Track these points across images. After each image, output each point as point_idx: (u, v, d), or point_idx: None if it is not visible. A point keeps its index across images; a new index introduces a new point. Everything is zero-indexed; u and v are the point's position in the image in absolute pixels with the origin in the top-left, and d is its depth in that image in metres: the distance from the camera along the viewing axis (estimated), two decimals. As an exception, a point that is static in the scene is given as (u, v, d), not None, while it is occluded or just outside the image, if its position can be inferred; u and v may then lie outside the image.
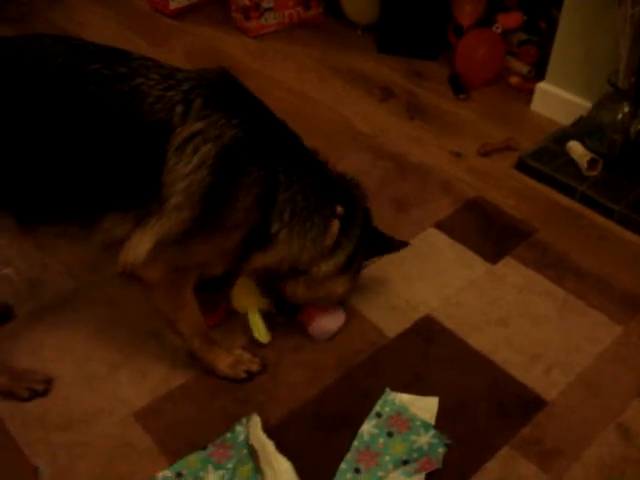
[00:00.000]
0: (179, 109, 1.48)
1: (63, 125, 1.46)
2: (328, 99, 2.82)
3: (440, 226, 2.23)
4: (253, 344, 1.86)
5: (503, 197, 2.34)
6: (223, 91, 1.56)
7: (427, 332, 1.93)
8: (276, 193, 1.58)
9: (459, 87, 2.80)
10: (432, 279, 2.07)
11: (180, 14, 3.32)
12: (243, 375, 1.79)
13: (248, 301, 1.88)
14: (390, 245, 1.87)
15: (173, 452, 1.64)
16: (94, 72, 1.47)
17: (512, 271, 2.09)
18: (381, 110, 2.77)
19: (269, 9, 3.17)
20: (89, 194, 1.52)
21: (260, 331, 1.86)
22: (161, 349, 1.85)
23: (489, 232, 2.22)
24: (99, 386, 1.78)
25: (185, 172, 1.47)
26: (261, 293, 1.87)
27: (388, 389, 1.75)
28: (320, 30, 3.27)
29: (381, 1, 3.00)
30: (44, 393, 1.75)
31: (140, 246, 1.53)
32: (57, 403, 1.74)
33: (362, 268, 1.87)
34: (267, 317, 1.88)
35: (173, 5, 3.30)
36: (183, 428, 1.69)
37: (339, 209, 1.72)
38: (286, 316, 1.89)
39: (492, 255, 2.14)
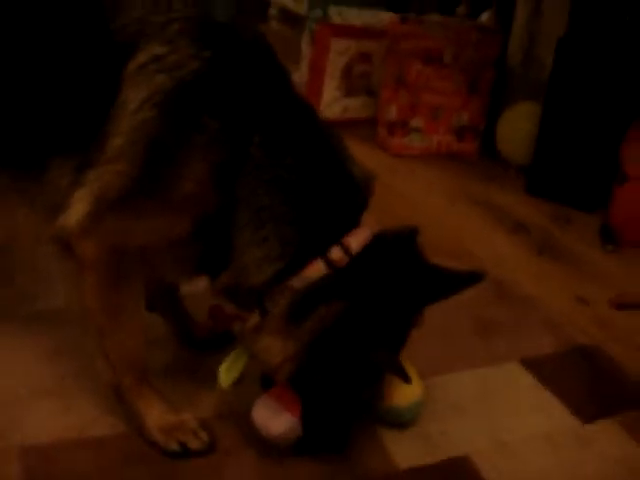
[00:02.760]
0: (150, 30, 1.16)
1: (21, 29, 1.19)
2: (450, 220, 2.40)
3: (528, 363, 1.64)
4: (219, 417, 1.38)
5: (629, 356, 1.71)
6: (222, 32, 1.22)
7: (455, 476, 1.32)
8: (240, 171, 1.16)
9: (609, 237, 2.26)
10: (491, 418, 1.47)
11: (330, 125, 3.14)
12: (174, 446, 1.28)
13: None
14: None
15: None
16: None
17: (607, 438, 1.44)
18: (506, 241, 2.28)
19: (417, 130, 2.89)
20: (34, 125, 1.21)
21: (227, 371, 1.33)
22: (109, 389, 1.40)
23: (594, 386, 1.59)
24: (10, 408, 1.37)
25: (132, 108, 1.13)
26: None
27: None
28: (468, 164, 2.91)
29: (536, 139, 2.61)
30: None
31: (76, 207, 1.18)
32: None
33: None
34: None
35: (324, 114, 3.13)
36: (67, 485, 1.22)
37: (336, 253, 1.20)
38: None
39: (586, 411, 1.50)
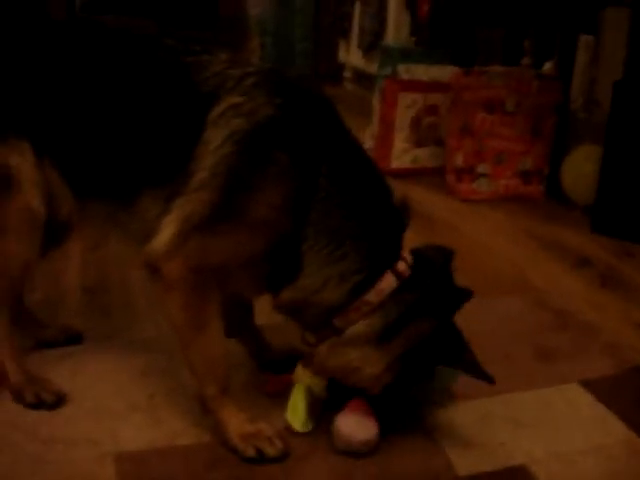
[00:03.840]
0: (230, 84, 1.36)
1: (122, 84, 1.43)
2: (516, 258, 2.49)
3: (587, 384, 1.71)
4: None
5: (690, 378, 1.75)
6: (290, 84, 1.42)
7: (512, 483, 1.40)
8: (312, 200, 1.33)
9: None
10: (549, 431, 1.54)
11: (400, 174, 3.28)
12: (251, 452, 1.42)
13: (304, 374, 1.51)
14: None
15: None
16: (168, 45, 1.45)
17: (664, 450, 1.49)
18: (569, 274, 2.36)
19: (484, 175, 3.01)
20: (132, 161, 1.42)
21: (296, 414, 1.49)
22: (194, 405, 1.54)
23: (650, 404, 1.65)
24: (107, 420, 1.54)
25: (214, 146, 1.33)
26: None
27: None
28: (535, 205, 3.01)
29: (599, 179, 2.68)
30: (51, 406, 1.56)
31: (164, 232, 1.36)
32: (56, 420, 1.54)
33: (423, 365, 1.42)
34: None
35: (395, 164, 3.30)
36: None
37: (402, 266, 1.37)
38: (333, 399, 1.49)
39: (642, 426, 1.56)
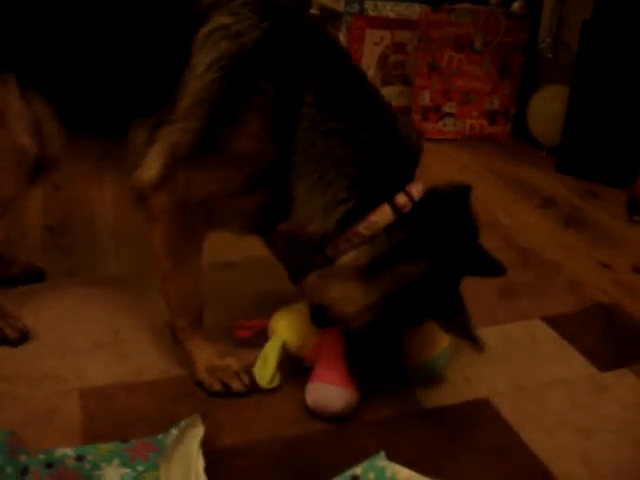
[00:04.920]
0: (222, 3, 1.29)
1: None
2: (481, 196, 2.47)
3: (550, 321, 1.74)
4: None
5: (648, 314, 1.79)
6: (280, 8, 1.33)
7: (476, 415, 1.43)
8: (296, 129, 1.26)
9: (636, 209, 2.33)
10: (513, 366, 1.57)
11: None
12: (217, 386, 1.42)
13: (283, 327, 1.45)
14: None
15: (93, 438, 1.30)
16: None
17: (624, 385, 1.52)
18: (534, 214, 2.38)
19: (450, 114, 2.99)
20: (118, 89, 1.35)
21: (264, 369, 1.42)
22: (160, 341, 1.57)
23: (611, 339, 1.68)
24: (71, 357, 1.53)
25: (200, 71, 1.26)
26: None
27: (383, 453, 1.26)
28: (501, 145, 3.01)
29: (565, 120, 2.69)
30: (14, 343, 1.54)
31: (152, 163, 1.32)
32: (19, 357, 1.52)
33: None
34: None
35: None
36: (121, 420, 1.36)
37: (401, 198, 1.27)
38: (317, 325, 1.44)
39: (603, 361, 1.59)
